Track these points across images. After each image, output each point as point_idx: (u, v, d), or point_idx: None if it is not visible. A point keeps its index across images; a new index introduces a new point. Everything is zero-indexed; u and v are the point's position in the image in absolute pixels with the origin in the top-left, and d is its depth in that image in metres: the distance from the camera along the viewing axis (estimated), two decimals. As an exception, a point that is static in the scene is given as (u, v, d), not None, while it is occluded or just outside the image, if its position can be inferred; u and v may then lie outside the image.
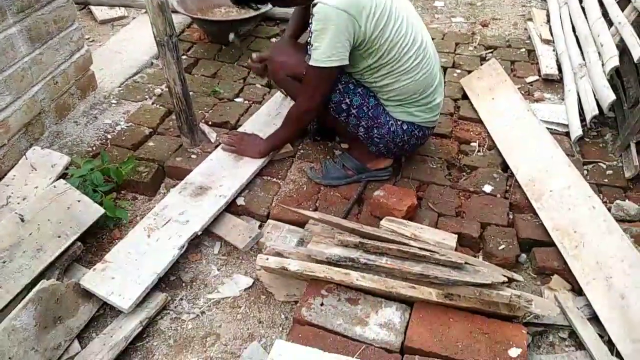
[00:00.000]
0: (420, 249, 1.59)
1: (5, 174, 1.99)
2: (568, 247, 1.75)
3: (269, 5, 1.93)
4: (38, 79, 2.11)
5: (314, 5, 1.67)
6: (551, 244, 1.79)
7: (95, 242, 1.88)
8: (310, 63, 1.74)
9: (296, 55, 1.91)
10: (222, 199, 1.93)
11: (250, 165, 2.08)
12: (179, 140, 2.23)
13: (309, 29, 1.76)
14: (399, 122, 1.91)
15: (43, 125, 2.17)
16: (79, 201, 1.81)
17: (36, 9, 2.04)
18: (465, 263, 1.56)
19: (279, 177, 2.11)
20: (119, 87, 2.56)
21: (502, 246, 1.80)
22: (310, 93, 1.86)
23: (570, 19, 2.94)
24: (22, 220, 1.69)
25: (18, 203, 1.89)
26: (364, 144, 2.00)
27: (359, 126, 1.92)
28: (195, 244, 1.85)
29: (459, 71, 2.79)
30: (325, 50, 1.69)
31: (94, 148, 2.21)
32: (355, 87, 1.87)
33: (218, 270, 1.80)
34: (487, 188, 2.05)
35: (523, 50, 3.01)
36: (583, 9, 2.87)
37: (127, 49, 2.81)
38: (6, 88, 1.96)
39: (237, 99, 2.55)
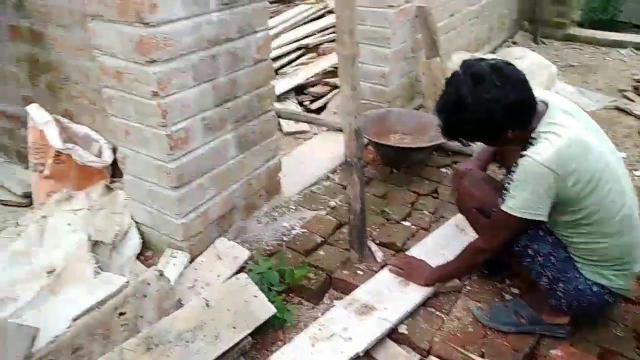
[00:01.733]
0: None
1: (195, 258, 2.20)
2: None
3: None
4: (238, 179, 2.36)
5: (522, 156, 1.68)
6: None
7: (259, 338, 1.95)
8: (503, 207, 1.73)
9: (490, 192, 1.92)
10: (386, 323, 1.92)
11: (417, 293, 2.06)
12: (347, 254, 2.31)
13: (509, 172, 1.76)
14: (589, 282, 1.78)
15: (232, 220, 2.39)
16: (255, 297, 1.91)
17: (248, 120, 2.34)
18: None
19: (444, 310, 2.06)
20: (298, 194, 2.76)
21: None
22: (493, 234, 1.84)
23: None
24: (207, 305, 1.82)
25: (202, 287, 2.06)
26: (541, 293, 1.89)
27: (543, 275, 1.83)
28: (354, 363, 1.83)
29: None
30: (522, 203, 1.67)
31: (271, 248, 2.36)
32: (545, 235, 1.81)
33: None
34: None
35: None
36: None
37: (308, 161, 3.07)
38: (213, 183, 2.22)
39: (404, 222, 2.60)
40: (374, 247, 2.36)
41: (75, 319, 1.74)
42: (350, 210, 2.22)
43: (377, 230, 2.51)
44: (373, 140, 3.11)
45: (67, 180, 2.53)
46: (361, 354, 1.80)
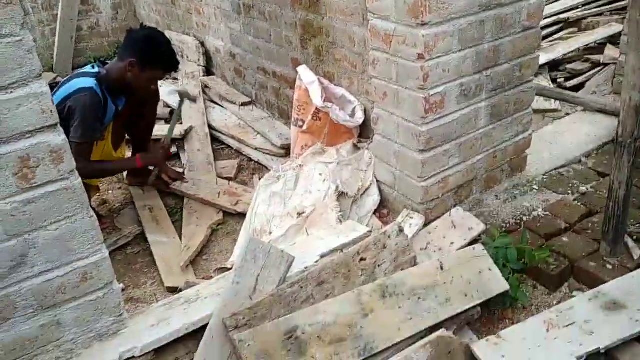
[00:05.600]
0: None
1: (430, 223, 2.24)
2: None
3: None
4: (483, 150, 2.31)
5: None
6: None
7: (487, 313, 1.91)
8: None
9: None
10: (638, 324, 1.70)
11: (683, 303, 1.77)
12: (596, 245, 2.09)
13: None
14: None
15: (470, 191, 2.37)
16: (489, 270, 1.88)
17: (505, 90, 2.25)
18: None
19: None
20: (544, 175, 2.58)
21: None
22: None
23: None
24: (442, 268, 1.85)
25: (434, 251, 2.10)
26: None
27: None
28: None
29: None
30: None
31: (507, 225, 2.27)
32: None
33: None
34: None
35: None
36: None
37: (558, 142, 2.83)
38: (458, 151, 2.21)
39: (672, 222, 2.24)
40: (631, 243, 2.09)
41: (322, 256, 1.93)
42: (609, 197, 1.99)
43: (638, 225, 2.21)
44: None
45: (321, 135, 2.80)
46: (602, 351, 1.64)
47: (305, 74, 2.80)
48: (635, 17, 1.77)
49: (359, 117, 2.67)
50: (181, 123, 3.46)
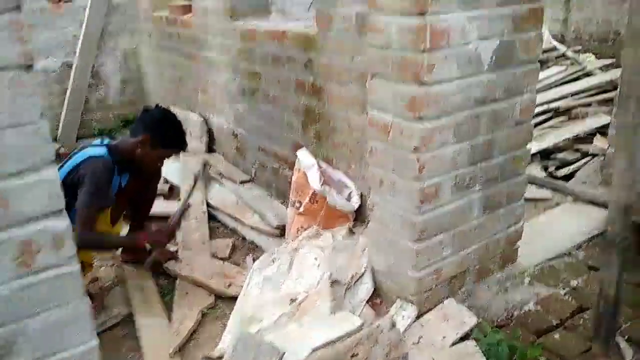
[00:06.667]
0: None
1: (423, 314, 2.24)
2: None
3: None
4: (476, 240, 2.35)
5: None
6: None
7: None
8: None
9: None
10: None
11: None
12: (588, 343, 2.08)
13: None
14: None
15: (463, 282, 2.38)
16: (482, 367, 1.86)
17: (498, 182, 2.33)
18: None
19: None
20: (535, 266, 2.61)
21: None
22: None
23: None
24: (433, 365, 1.84)
25: (427, 346, 2.08)
26: None
27: None
28: None
29: None
30: None
31: (498, 319, 2.27)
32: None
33: None
34: None
35: None
36: None
37: (549, 233, 2.88)
38: (452, 242, 2.25)
39: (665, 321, 2.24)
40: (622, 344, 2.08)
41: (314, 349, 1.92)
42: (599, 296, 2.01)
43: (629, 323, 2.21)
44: None
45: (317, 218, 2.84)
46: None
47: (304, 158, 2.89)
48: (621, 119, 1.86)
49: (355, 202, 2.73)
50: (189, 206, 3.48)
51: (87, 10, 5.34)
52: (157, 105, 2.89)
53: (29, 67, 1.26)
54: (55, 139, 5.25)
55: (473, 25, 1.99)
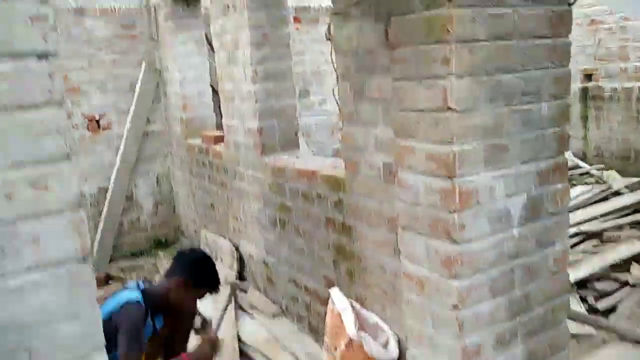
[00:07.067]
0: None
1: None
2: None
3: None
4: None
5: None
6: None
7: None
8: None
9: None
10: None
11: None
12: None
13: None
14: None
15: None
16: None
17: (539, 334, 2.26)
18: None
19: None
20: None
21: None
22: None
23: None
24: None
25: None
26: None
27: None
28: None
29: None
30: None
31: None
32: None
33: None
34: None
35: None
36: None
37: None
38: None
39: None
40: None
41: None
42: None
43: None
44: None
45: (353, 363, 2.75)
46: None
47: (338, 298, 2.85)
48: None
49: (392, 349, 2.65)
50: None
51: (124, 139, 5.67)
52: (192, 249, 2.96)
53: (85, 259, 1.32)
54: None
55: (500, 184, 2.04)
